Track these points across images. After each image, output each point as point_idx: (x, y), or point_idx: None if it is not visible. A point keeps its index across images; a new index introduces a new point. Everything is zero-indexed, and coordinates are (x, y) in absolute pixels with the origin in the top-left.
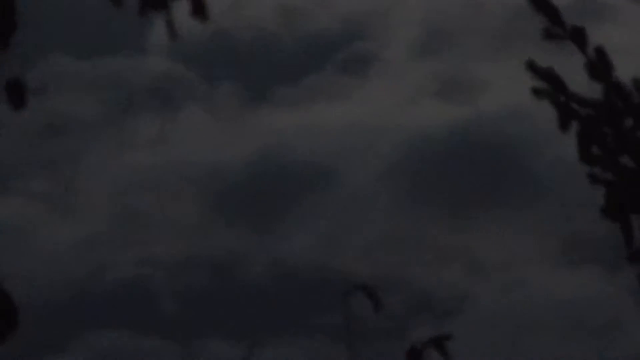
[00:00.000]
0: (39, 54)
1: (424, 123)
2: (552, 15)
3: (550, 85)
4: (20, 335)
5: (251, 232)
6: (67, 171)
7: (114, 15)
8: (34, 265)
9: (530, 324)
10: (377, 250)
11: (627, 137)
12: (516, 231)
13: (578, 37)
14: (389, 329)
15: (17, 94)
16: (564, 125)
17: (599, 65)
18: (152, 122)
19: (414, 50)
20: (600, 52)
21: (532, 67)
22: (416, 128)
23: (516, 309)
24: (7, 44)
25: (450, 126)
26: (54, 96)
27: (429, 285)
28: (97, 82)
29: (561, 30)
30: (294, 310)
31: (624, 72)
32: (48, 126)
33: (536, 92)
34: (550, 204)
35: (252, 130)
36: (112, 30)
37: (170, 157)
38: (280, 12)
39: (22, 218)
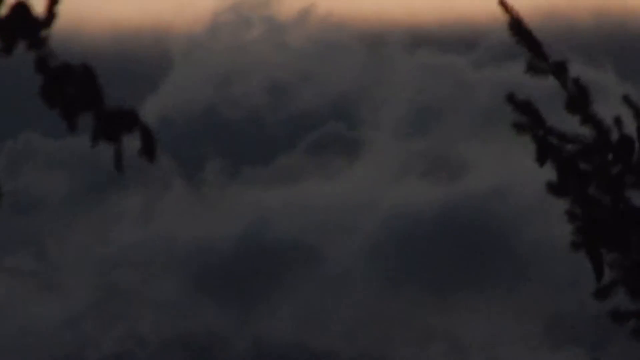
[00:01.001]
0: (13, 132)
1: (409, 202)
2: (535, 49)
3: (529, 118)
4: None
5: (234, 310)
6: (52, 248)
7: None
8: (17, 343)
9: None
10: (360, 329)
11: (604, 173)
12: (499, 312)
13: (560, 71)
14: None
15: None
16: (541, 159)
17: (578, 98)
18: (137, 199)
19: (400, 129)
20: (579, 85)
21: (511, 100)
22: (401, 207)
23: None
24: None
25: (435, 206)
26: (30, 173)
27: None
28: (76, 160)
29: (544, 64)
30: None
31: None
32: (24, 204)
33: (516, 126)
34: (533, 285)
35: (237, 208)
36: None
37: (155, 233)
38: (269, 90)
39: (7, 295)
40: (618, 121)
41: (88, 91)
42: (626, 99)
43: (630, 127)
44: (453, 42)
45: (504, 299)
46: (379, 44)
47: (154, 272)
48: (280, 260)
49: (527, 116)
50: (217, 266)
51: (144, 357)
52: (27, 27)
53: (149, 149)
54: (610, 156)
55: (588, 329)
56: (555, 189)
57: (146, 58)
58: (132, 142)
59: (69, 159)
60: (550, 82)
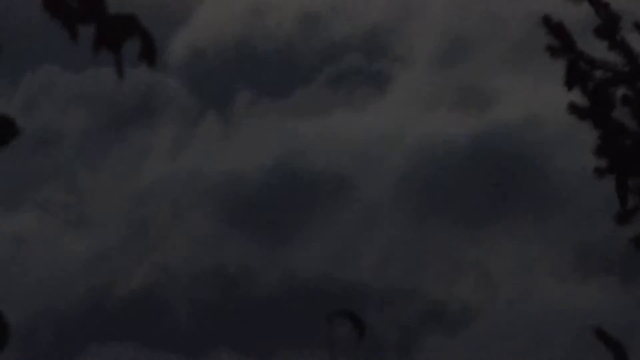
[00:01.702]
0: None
1: (439, 133)
2: None
3: (561, 42)
4: (26, 347)
5: (266, 243)
6: (81, 182)
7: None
8: (50, 278)
9: (542, 335)
10: (390, 261)
11: (631, 99)
12: (529, 241)
13: None
14: (400, 340)
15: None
16: (570, 83)
17: (608, 23)
18: (166, 132)
19: (431, 61)
20: (609, 11)
21: (546, 22)
22: (431, 138)
23: (528, 320)
24: None
25: (465, 137)
26: (50, 107)
27: (441, 297)
28: (97, 94)
29: None
30: (304, 323)
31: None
32: (46, 138)
33: (549, 49)
34: (564, 214)
35: (268, 139)
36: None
37: (185, 167)
38: (301, 21)
39: (38, 230)
40: None
41: (89, 1)
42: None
43: None
44: None
45: (534, 229)
46: None
47: (184, 206)
48: (310, 191)
49: (560, 39)
50: (251, 198)
51: (174, 290)
52: None
53: (149, 54)
54: (638, 83)
55: (619, 258)
56: (578, 110)
57: None
58: (157, 78)
59: (90, 93)
60: (580, 13)
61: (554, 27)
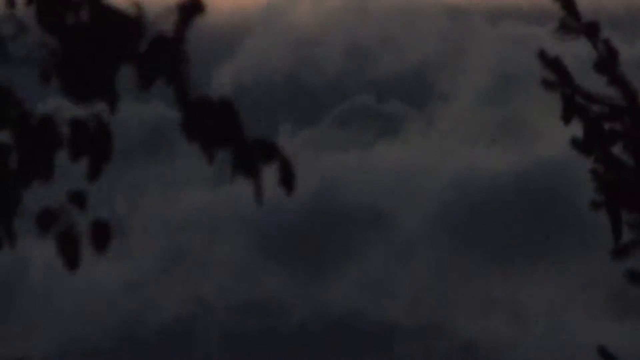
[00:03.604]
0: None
1: (479, 168)
2: (569, 7)
3: (558, 76)
4: None
5: (299, 275)
6: (120, 207)
7: None
8: (82, 306)
9: None
10: (423, 299)
11: (629, 134)
12: (563, 281)
13: (591, 31)
14: None
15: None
16: (567, 117)
17: (607, 59)
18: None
19: (477, 98)
20: (609, 46)
21: (542, 57)
22: (471, 172)
23: (557, 358)
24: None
25: (506, 172)
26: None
27: (472, 333)
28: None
29: (576, 24)
30: (337, 358)
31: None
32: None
33: (545, 83)
34: (599, 254)
35: (309, 170)
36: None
37: (223, 196)
38: (349, 54)
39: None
40: None
41: (228, 125)
42: None
43: None
44: (536, 13)
45: (568, 268)
46: (462, 13)
47: (220, 236)
48: (349, 225)
49: (556, 74)
50: (286, 231)
51: (207, 321)
52: (166, 62)
53: (287, 181)
54: (636, 118)
55: None
56: (579, 145)
57: (225, 24)
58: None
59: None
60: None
61: (550, 62)
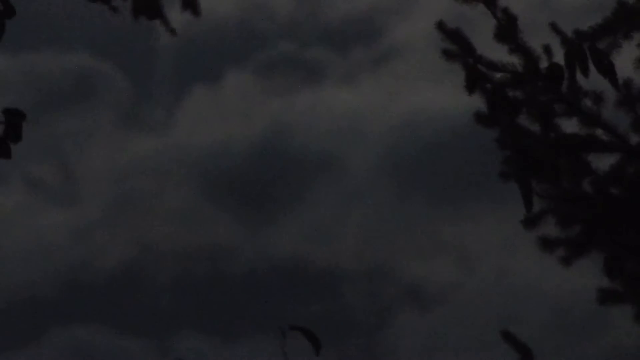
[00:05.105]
0: None
1: (425, 108)
2: None
3: (459, 47)
4: None
5: (246, 220)
6: (67, 155)
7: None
8: (27, 255)
9: (517, 315)
10: (369, 243)
11: (533, 101)
12: (510, 221)
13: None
14: (375, 319)
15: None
16: (470, 87)
17: (507, 26)
18: (157, 105)
19: (431, 44)
20: (508, 14)
21: (441, 28)
22: (417, 114)
23: (503, 300)
24: None
25: (461, 113)
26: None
27: (419, 276)
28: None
29: None
30: (274, 305)
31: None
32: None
33: (445, 54)
34: None
35: (258, 114)
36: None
37: (174, 141)
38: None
39: (20, 205)
40: (547, 50)
41: None
42: (553, 27)
43: (559, 56)
44: None
45: (517, 210)
46: None
47: (168, 181)
48: (298, 169)
49: (457, 44)
50: (235, 174)
51: (154, 267)
52: None
53: (190, 3)
54: (539, 84)
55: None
56: (483, 118)
57: None
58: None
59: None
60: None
61: (450, 33)
